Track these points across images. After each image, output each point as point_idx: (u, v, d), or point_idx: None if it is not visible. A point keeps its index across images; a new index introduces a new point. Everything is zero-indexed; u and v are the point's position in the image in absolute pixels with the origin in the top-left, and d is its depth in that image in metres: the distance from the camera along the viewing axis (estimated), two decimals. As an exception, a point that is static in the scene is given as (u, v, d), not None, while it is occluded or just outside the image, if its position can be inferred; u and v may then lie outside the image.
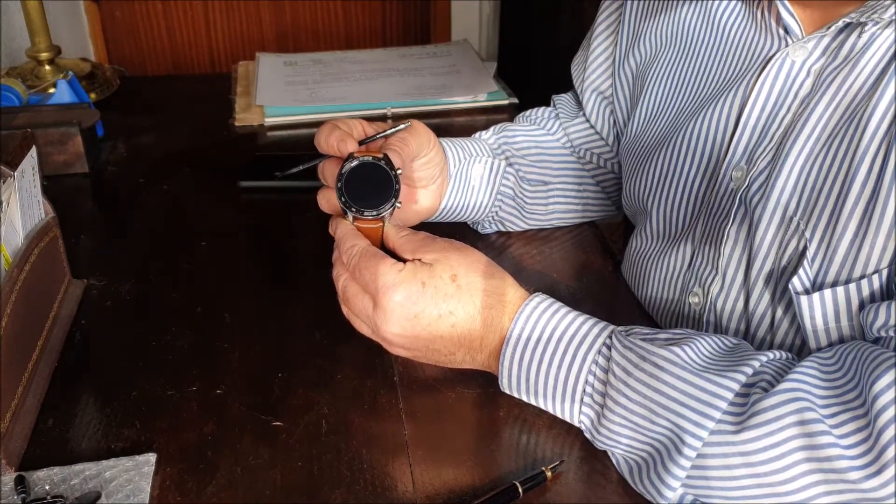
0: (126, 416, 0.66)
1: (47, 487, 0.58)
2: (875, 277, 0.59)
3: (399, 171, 0.68)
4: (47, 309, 0.73)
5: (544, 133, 0.93)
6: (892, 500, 0.50)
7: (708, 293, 0.72)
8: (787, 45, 0.67)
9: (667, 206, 0.77)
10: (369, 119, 0.76)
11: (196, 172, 1.05)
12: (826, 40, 0.64)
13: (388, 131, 0.72)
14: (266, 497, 0.59)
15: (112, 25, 2.14)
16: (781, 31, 0.68)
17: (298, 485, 0.60)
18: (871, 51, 0.61)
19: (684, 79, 0.77)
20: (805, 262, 0.62)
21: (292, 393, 0.68)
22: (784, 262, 0.65)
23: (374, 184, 0.67)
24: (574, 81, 0.93)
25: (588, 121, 0.92)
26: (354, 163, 0.67)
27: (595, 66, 0.89)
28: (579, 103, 0.93)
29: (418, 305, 0.63)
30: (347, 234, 0.68)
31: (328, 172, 0.72)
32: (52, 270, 0.75)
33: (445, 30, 2.28)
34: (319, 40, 2.25)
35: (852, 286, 0.60)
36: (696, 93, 0.75)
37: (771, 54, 0.68)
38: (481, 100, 1.25)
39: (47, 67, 1.22)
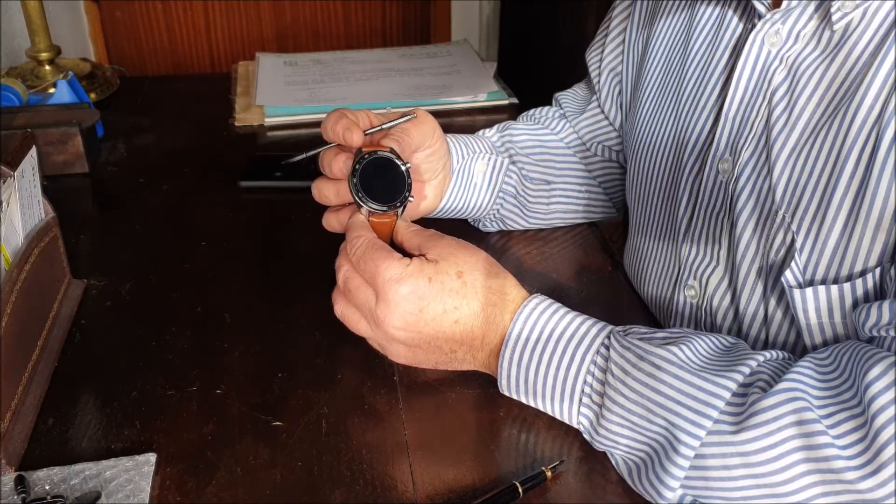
0: (126, 416, 0.66)
1: (47, 487, 0.58)
2: (869, 276, 0.59)
3: (408, 165, 0.69)
4: (47, 309, 0.73)
5: (548, 132, 0.93)
6: (890, 501, 0.50)
7: (706, 285, 0.72)
8: (754, 24, 0.66)
9: (657, 201, 0.78)
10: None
11: (196, 172, 1.05)
12: (791, 22, 0.64)
13: (394, 122, 0.73)
14: (266, 497, 0.59)
15: (112, 25, 2.14)
16: (749, 7, 0.68)
17: (298, 485, 0.60)
18: (850, 42, 0.61)
19: (675, 72, 0.77)
20: (796, 256, 0.63)
21: (292, 393, 0.68)
22: (773, 255, 0.65)
23: (386, 178, 0.68)
24: (590, 68, 0.93)
25: (602, 110, 0.92)
26: (368, 158, 0.67)
27: (612, 48, 0.89)
28: (589, 95, 0.94)
29: (424, 300, 0.63)
30: (355, 225, 0.68)
31: (329, 161, 0.72)
32: (52, 270, 0.75)
33: (445, 30, 2.28)
34: (319, 40, 2.25)
35: (845, 282, 0.60)
36: (681, 86, 0.76)
37: (739, 34, 0.69)
38: (481, 100, 1.25)
39: (47, 67, 1.22)
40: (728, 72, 0.70)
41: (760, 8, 0.66)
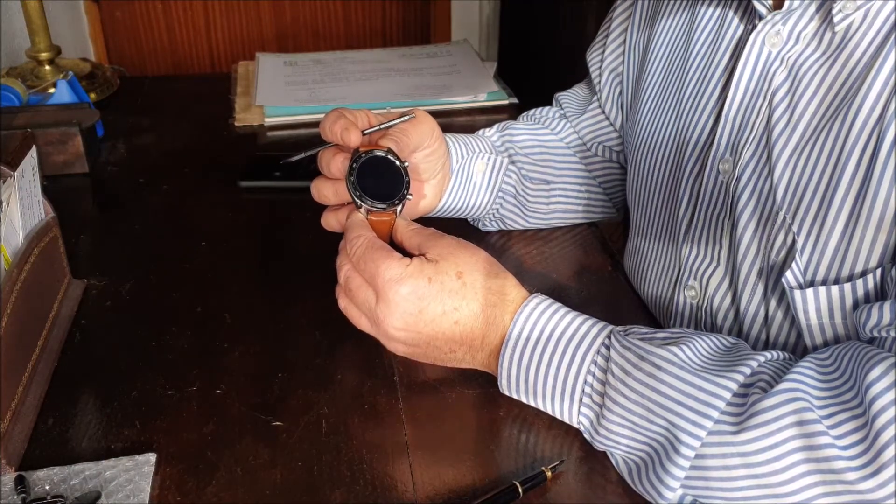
0: (126, 416, 0.66)
1: (47, 487, 0.58)
2: (870, 277, 0.59)
3: (406, 164, 0.69)
4: (47, 309, 0.73)
5: (548, 132, 0.93)
6: (890, 502, 0.50)
7: (706, 286, 0.72)
8: (755, 24, 0.66)
9: (658, 201, 0.78)
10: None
11: (196, 172, 1.05)
12: (792, 23, 0.64)
13: (393, 122, 0.73)
14: (266, 497, 0.59)
15: (112, 25, 2.14)
16: (750, 8, 0.68)
17: (298, 485, 0.60)
18: (851, 43, 0.61)
19: (676, 72, 0.77)
20: (797, 257, 0.63)
21: (292, 393, 0.68)
22: (774, 255, 0.65)
23: (384, 177, 0.68)
24: (591, 68, 0.93)
25: (603, 111, 0.92)
26: (365, 157, 0.68)
27: (613, 48, 0.89)
28: (589, 95, 0.94)
29: (424, 301, 0.63)
30: (354, 224, 0.68)
31: (328, 160, 0.72)
32: (52, 270, 0.75)
33: (445, 30, 2.28)
34: (319, 40, 2.25)
35: (845, 283, 0.60)
36: (682, 87, 0.76)
37: (740, 34, 0.69)
38: (481, 100, 1.25)
39: (47, 67, 1.22)
40: (729, 72, 0.70)
41: (761, 9, 0.66)
